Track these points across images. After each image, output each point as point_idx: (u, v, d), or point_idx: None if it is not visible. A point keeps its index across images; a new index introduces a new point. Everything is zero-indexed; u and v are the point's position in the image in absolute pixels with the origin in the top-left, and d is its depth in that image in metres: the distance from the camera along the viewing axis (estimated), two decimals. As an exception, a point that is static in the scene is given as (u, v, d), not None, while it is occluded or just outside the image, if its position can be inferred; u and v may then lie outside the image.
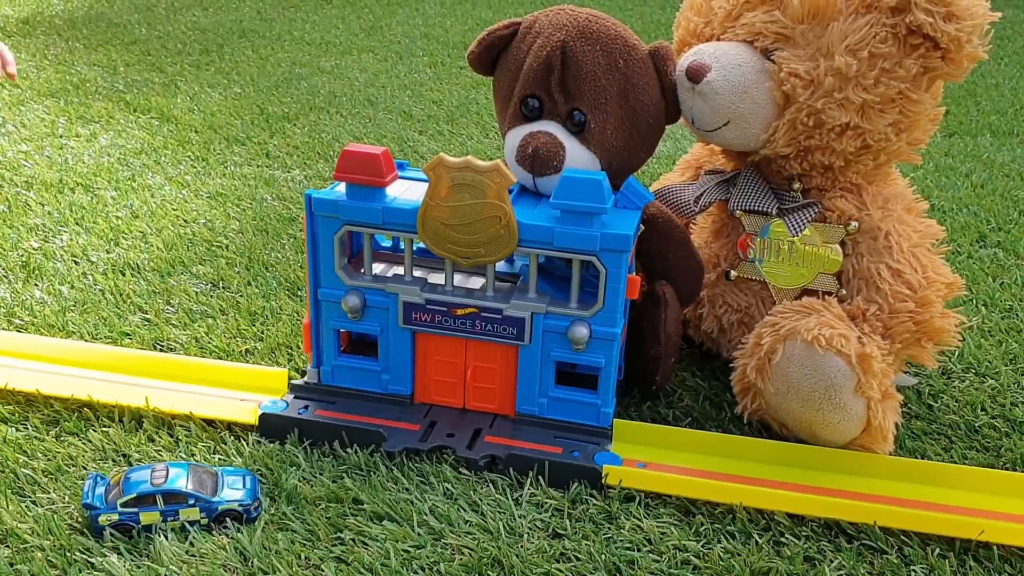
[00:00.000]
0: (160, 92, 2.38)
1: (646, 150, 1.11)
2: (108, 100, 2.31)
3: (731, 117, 1.07)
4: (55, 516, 0.91)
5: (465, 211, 0.99)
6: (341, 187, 1.08)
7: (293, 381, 1.13)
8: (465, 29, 3.27)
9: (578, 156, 1.05)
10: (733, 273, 1.18)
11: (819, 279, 1.13)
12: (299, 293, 1.38)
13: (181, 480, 0.91)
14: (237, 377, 1.14)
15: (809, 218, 1.12)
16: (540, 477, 1.00)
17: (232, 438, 1.04)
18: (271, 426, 1.06)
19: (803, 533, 0.95)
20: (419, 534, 0.92)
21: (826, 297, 1.10)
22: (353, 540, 0.91)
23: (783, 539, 0.94)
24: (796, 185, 1.13)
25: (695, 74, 1.06)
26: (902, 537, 0.95)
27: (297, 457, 1.02)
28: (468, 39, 3.13)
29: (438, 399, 1.11)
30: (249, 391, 1.12)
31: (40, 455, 1.00)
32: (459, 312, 1.05)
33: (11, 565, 0.85)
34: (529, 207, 1.04)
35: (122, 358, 1.16)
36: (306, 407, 1.09)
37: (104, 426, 1.05)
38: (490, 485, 1.00)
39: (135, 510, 0.89)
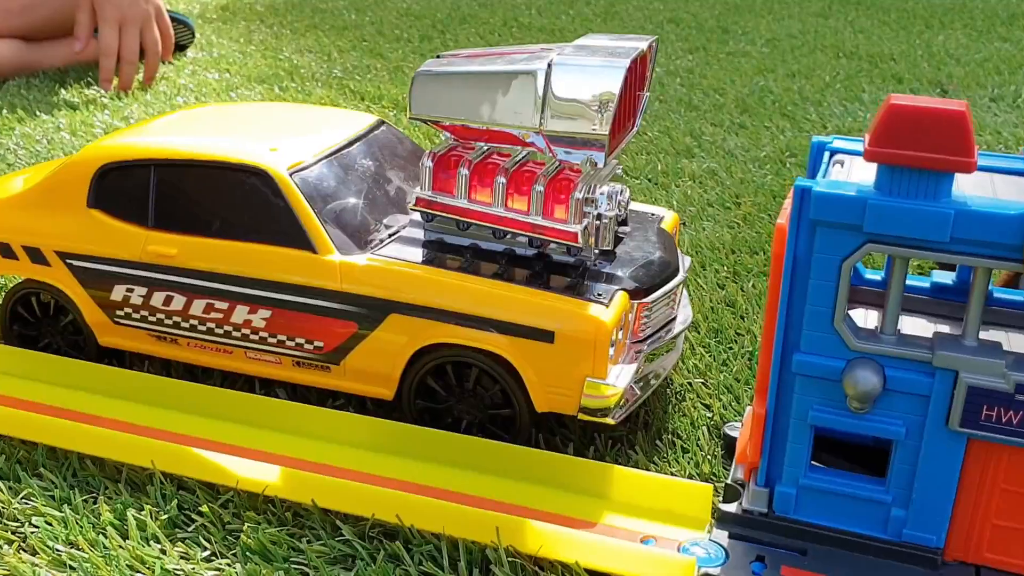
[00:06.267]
0: (388, 80, 2.00)
1: None
2: (328, 87, 1.94)
3: None
4: None
5: None
6: (845, 173, 0.61)
7: (722, 506, 0.66)
8: (716, 13, 2.78)
9: None
10: None
11: None
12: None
13: None
14: (622, 487, 0.69)
15: None
16: None
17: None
18: (717, 598, 0.60)
19: None
20: None
21: None
22: None
23: None
24: None
25: None
26: None
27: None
28: (723, 23, 2.63)
29: (993, 558, 0.62)
30: (646, 518, 0.67)
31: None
32: (1088, 412, 0.56)
33: None
34: None
35: (435, 438, 0.73)
36: (761, 560, 0.62)
37: (426, 572, 0.61)
38: None
39: None
